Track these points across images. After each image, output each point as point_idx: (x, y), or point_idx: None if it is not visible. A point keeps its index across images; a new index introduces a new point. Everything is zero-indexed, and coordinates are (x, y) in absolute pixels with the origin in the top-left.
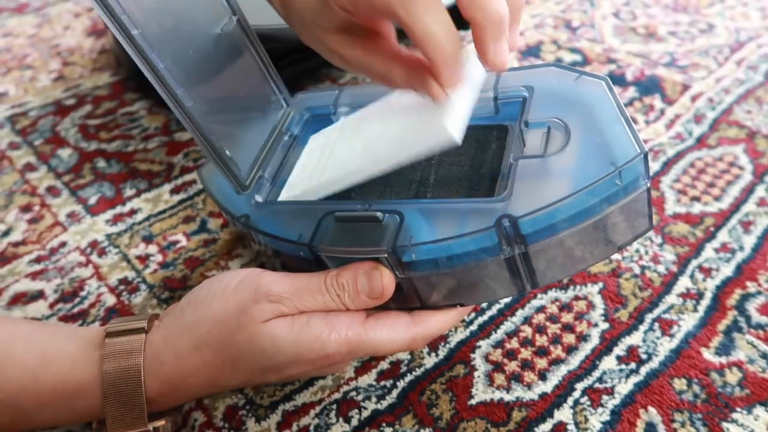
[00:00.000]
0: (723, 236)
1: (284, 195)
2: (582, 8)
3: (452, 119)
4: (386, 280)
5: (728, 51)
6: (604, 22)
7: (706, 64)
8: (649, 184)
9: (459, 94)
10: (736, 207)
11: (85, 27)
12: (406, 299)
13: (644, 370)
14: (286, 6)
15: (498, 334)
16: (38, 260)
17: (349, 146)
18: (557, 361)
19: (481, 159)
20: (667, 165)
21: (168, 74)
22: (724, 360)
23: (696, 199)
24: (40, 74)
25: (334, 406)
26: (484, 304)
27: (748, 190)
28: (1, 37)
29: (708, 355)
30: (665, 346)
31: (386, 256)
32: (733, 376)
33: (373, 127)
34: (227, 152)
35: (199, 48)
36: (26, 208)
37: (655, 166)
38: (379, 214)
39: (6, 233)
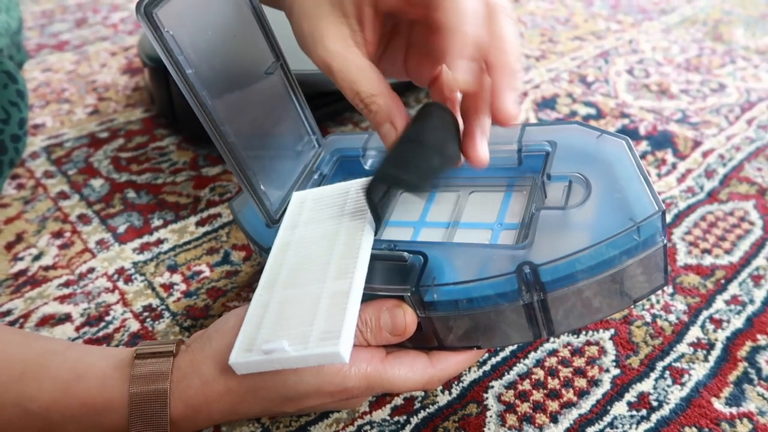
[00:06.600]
0: (734, 289)
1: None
2: (596, 65)
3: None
4: (409, 318)
5: (739, 110)
6: (618, 78)
7: (717, 121)
8: (665, 241)
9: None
10: (746, 261)
11: (121, 65)
12: (424, 339)
13: (655, 417)
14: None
15: (511, 375)
16: (67, 284)
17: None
18: (569, 405)
19: None
20: (679, 217)
21: (215, 111)
22: (734, 411)
23: (707, 251)
24: (76, 108)
25: None
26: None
27: (759, 245)
28: (41, 72)
29: (718, 405)
30: (676, 394)
31: (409, 294)
32: (743, 428)
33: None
34: (261, 186)
35: (244, 88)
36: (58, 234)
37: (667, 218)
38: (405, 254)
39: (37, 257)
